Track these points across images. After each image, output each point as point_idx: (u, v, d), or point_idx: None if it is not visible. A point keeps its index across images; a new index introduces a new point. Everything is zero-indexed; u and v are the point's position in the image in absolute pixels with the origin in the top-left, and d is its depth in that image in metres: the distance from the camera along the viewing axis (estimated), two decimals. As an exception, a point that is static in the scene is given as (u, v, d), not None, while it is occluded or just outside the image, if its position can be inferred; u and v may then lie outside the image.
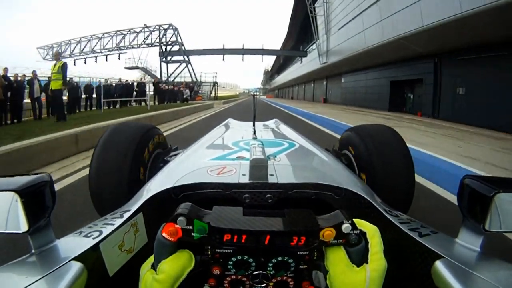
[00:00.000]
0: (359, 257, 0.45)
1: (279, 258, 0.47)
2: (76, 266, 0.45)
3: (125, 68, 23.99)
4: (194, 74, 24.27)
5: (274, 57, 41.23)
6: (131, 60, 23.75)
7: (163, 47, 23.31)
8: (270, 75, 63.89)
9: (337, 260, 0.46)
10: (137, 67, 23.78)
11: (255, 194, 0.62)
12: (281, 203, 0.61)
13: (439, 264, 0.49)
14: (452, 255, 0.50)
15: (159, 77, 22.82)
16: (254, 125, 1.42)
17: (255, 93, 2.00)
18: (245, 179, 0.65)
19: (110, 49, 24.12)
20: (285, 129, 1.63)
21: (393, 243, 0.49)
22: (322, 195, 0.65)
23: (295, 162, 0.89)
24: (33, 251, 0.48)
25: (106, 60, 24.39)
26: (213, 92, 25.53)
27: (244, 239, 0.44)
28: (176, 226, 0.44)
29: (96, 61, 24.55)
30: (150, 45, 23.46)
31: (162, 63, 23.66)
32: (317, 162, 0.93)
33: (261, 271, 0.47)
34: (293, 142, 1.12)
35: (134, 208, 0.60)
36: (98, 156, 1.11)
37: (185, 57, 23.61)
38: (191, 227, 0.44)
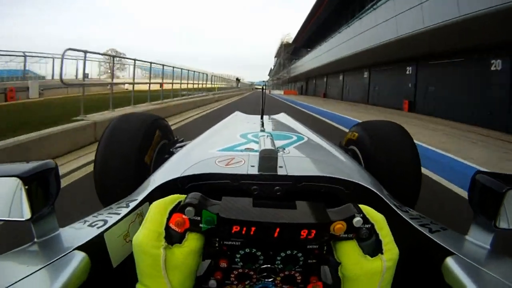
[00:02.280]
0: (371, 249, 0.45)
1: (288, 252, 0.46)
2: (80, 255, 0.44)
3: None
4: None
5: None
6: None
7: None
8: (293, 51, 38.68)
9: (350, 252, 0.45)
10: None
11: (263, 185, 0.61)
12: (290, 196, 0.61)
13: (449, 261, 0.49)
14: (463, 252, 0.50)
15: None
16: (262, 117, 1.42)
17: (264, 86, 1.96)
18: (254, 171, 0.64)
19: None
20: (293, 123, 1.62)
21: (403, 238, 0.49)
22: (331, 188, 0.64)
23: (305, 154, 0.88)
24: (35, 239, 0.48)
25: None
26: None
27: (253, 231, 0.43)
28: (184, 216, 0.42)
29: None
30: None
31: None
32: (326, 155, 0.92)
33: (268, 265, 0.47)
34: (301, 135, 1.11)
35: (140, 198, 0.59)
36: (103, 146, 1.12)
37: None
38: (199, 218, 0.42)
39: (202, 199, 0.44)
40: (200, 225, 0.43)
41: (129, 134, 1.14)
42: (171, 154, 1.29)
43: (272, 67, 68.22)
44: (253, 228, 0.43)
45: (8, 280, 0.37)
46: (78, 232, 0.50)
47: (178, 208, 0.43)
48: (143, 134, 1.16)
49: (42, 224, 0.48)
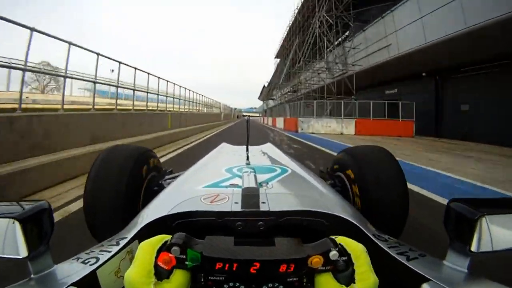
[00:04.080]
0: (347, 279, 0.49)
1: (270, 285, 0.49)
2: None
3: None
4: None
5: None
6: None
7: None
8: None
9: (326, 283, 0.49)
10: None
11: (247, 222, 0.64)
12: (273, 230, 0.64)
13: (425, 287, 0.51)
14: (440, 277, 0.52)
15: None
16: (247, 150, 1.46)
17: (247, 115, 2.05)
18: (238, 207, 0.67)
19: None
20: (277, 154, 1.67)
21: (381, 267, 0.52)
22: (313, 222, 0.67)
23: (287, 189, 0.92)
24: (32, 276, 0.50)
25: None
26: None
27: (235, 267, 0.47)
28: (170, 255, 0.47)
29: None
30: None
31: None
32: (308, 188, 0.97)
33: None
34: (285, 167, 1.16)
35: (130, 235, 0.62)
36: (92, 179, 1.13)
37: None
38: (184, 256, 0.47)
39: (186, 238, 0.49)
40: (186, 262, 0.47)
41: (117, 168, 1.15)
42: (160, 186, 1.31)
43: (266, 84, 50.51)
44: (235, 265, 0.47)
45: None
46: (72, 269, 0.52)
47: (165, 247, 0.47)
48: (132, 168, 1.18)
49: (38, 261, 0.50)
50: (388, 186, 1.15)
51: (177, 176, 1.32)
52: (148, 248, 0.48)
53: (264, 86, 44.98)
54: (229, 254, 0.48)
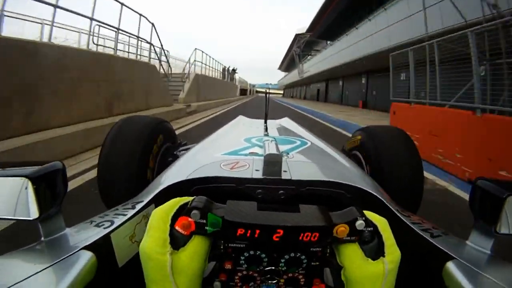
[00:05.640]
0: (373, 252, 0.46)
1: (292, 254, 0.48)
2: (86, 255, 0.46)
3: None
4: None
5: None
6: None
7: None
8: (305, 44, 28.65)
9: (352, 255, 0.47)
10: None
11: (268, 189, 0.62)
12: (293, 200, 0.62)
13: (450, 265, 0.50)
14: (463, 257, 0.51)
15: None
16: (266, 122, 1.45)
17: (267, 90, 2.04)
18: (259, 175, 0.66)
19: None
20: (296, 127, 1.64)
21: (404, 243, 0.50)
22: (334, 193, 0.65)
23: (308, 159, 0.89)
24: (42, 238, 0.49)
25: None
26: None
27: (258, 234, 0.44)
28: (190, 219, 0.44)
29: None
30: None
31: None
32: (329, 160, 0.93)
33: (272, 267, 0.48)
34: (305, 140, 1.14)
35: (146, 199, 0.61)
36: (107, 148, 1.15)
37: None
38: (204, 221, 0.45)
39: (207, 202, 0.46)
40: (206, 227, 0.45)
41: (132, 137, 1.17)
42: (175, 157, 1.32)
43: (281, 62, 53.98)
44: (257, 231, 0.44)
45: (15, 278, 0.38)
46: (85, 232, 0.52)
47: (185, 211, 0.45)
48: (147, 137, 1.20)
49: (49, 224, 0.50)
50: (403, 165, 1.16)
51: (193, 147, 1.32)
52: (161, 215, 0.46)
53: (297, 39, 30.08)
54: (252, 219, 0.45)
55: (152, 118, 1.36)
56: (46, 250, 0.47)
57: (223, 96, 16.63)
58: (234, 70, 22.99)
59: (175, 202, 0.48)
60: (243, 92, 34.59)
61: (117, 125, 1.23)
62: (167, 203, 0.48)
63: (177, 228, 0.44)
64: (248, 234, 0.44)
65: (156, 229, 0.44)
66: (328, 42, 22.91)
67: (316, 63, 23.93)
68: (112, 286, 0.53)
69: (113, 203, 0.68)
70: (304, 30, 28.58)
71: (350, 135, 1.64)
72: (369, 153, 1.25)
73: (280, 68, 62.63)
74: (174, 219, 0.45)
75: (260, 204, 0.49)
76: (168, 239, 0.44)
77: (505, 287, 0.43)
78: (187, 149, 1.41)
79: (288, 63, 50.21)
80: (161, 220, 0.45)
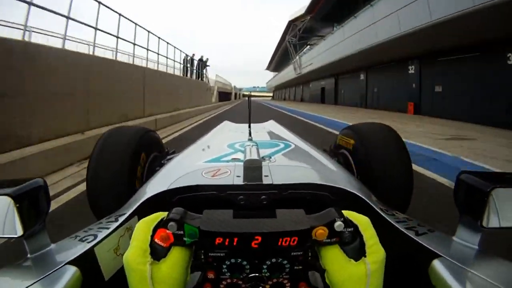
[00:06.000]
0: (355, 253, 0.56)
1: (273, 260, 0.58)
2: (71, 270, 0.57)
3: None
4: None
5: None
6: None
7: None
8: (304, 30, 28.43)
9: (333, 257, 0.56)
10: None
11: (249, 195, 0.75)
12: (276, 204, 0.73)
13: (436, 263, 0.60)
14: (450, 254, 0.61)
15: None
16: (250, 126, 1.66)
17: (250, 94, 2.29)
18: (240, 181, 0.78)
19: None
20: (281, 130, 1.92)
21: (389, 242, 0.60)
22: (317, 195, 0.78)
23: (290, 162, 1.06)
24: (28, 255, 0.60)
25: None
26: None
27: (236, 242, 0.54)
28: (168, 231, 0.55)
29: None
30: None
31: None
32: (312, 162, 1.10)
33: (256, 274, 0.59)
34: (288, 142, 1.33)
35: (129, 212, 0.74)
36: (95, 160, 1.36)
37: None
38: (182, 232, 0.55)
39: (183, 213, 0.58)
40: (184, 238, 0.56)
41: (119, 148, 1.40)
42: (162, 166, 1.53)
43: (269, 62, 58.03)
44: (235, 239, 0.54)
45: None
46: (69, 247, 0.63)
47: (162, 223, 0.56)
48: (134, 148, 1.43)
49: (34, 240, 0.61)
50: (392, 162, 1.38)
51: (176, 156, 1.55)
52: (144, 226, 0.57)
53: (291, 27, 30.22)
54: (228, 227, 0.55)
55: (138, 128, 1.59)
56: (32, 267, 0.58)
57: (185, 104, 13.17)
58: (203, 62, 19.22)
59: (158, 215, 0.60)
60: (225, 96, 33.26)
61: (104, 137, 1.44)
62: (151, 215, 0.59)
63: (156, 240, 0.54)
64: (226, 243, 0.54)
65: (138, 240, 0.55)
66: (335, 25, 21.47)
67: (320, 54, 22.02)
68: None
69: (104, 215, 0.82)
70: (298, 15, 27.17)
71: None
72: (356, 151, 1.49)
73: (268, 68, 65.30)
74: (155, 231, 0.56)
75: (236, 212, 0.60)
76: (149, 250, 0.54)
77: (494, 283, 0.51)
78: (175, 157, 1.63)
79: (278, 61, 51.81)
80: (142, 231, 0.56)
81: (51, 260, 0.59)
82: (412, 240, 0.67)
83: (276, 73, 59.01)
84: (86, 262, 0.61)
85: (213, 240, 0.55)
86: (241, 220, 0.57)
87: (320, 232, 0.55)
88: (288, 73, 38.16)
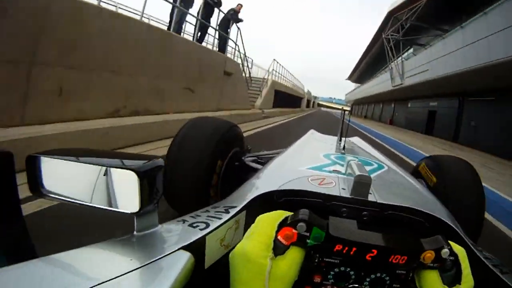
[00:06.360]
0: (450, 280, 0.70)
1: (378, 274, 0.71)
2: (185, 255, 0.66)
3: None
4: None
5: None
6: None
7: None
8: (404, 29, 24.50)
9: (431, 281, 0.70)
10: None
11: (353, 209, 0.92)
12: (374, 222, 0.90)
13: None
14: None
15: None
16: (340, 139, 1.95)
17: (342, 108, 2.66)
18: (346, 193, 0.95)
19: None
20: (368, 148, 2.24)
21: (476, 276, 0.73)
22: (414, 220, 0.92)
23: (388, 183, 1.24)
24: (135, 232, 0.72)
25: None
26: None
27: (353, 252, 0.68)
28: (294, 230, 0.67)
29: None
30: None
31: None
32: (409, 186, 1.28)
33: (356, 285, 0.72)
34: (381, 163, 1.54)
35: (240, 205, 0.91)
36: (177, 145, 1.69)
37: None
38: (308, 234, 0.67)
39: (311, 216, 0.70)
40: (307, 240, 0.68)
41: (204, 137, 1.77)
42: (242, 162, 1.91)
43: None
44: (354, 248, 0.67)
45: (111, 272, 0.54)
46: (180, 231, 0.77)
47: (290, 222, 0.69)
48: (218, 140, 1.80)
49: (144, 219, 0.74)
50: (467, 195, 1.75)
51: (260, 155, 2.07)
52: (269, 221, 0.70)
53: (392, 20, 26.34)
54: (353, 236, 0.69)
55: (225, 121, 2.02)
56: (141, 246, 0.68)
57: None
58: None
59: (280, 213, 0.73)
60: (290, 101, 33.94)
61: (190, 124, 1.79)
62: (273, 212, 0.73)
63: (279, 237, 0.66)
64: (344, 251, 0.68)
65: (261, 234, 0.67)
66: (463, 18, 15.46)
67: (442, 56, 17.00)
68: (199, 287, 0.75)
69: (179, 203, 1.07)
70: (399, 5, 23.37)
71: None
72: (433, 183, 1.89)
73: (350, 77, 65.41)
74: (280, 228, 0.68)
75: (359, 224, 0.75)
76: (272, 245, 0.66)
77: None
78: (254, 156, 2.06)
79: (364, 69, 51.20)
80: (268, 226, 0.68)
81: (161, 242, 0.71)
82: (497, 277, 0.81)
83: (359, 85, 59.34)
84: (198, 249, 0.74)
85: (334, 246, 0.68)
86: (365, 232, 0.72)
87: (428, 256, 0.69)
88: (378, 84, 34.98)
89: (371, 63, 42.66)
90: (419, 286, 0.72)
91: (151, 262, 0.61)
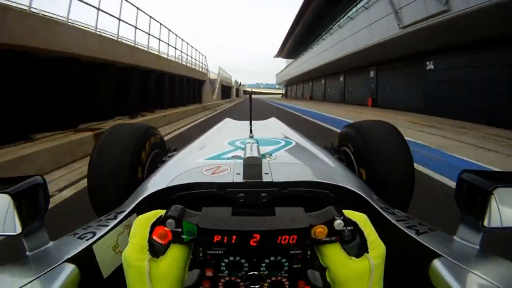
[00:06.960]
0: (356, 250, 0.67)
1: (272, 258, 0.70)
2: (69, 267, 0.69)
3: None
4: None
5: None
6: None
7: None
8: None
9: (334, 255, 0.68)
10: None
11: (249, 193, 0.90)
12: (276, 202, 0.86)
13: (436, 263, 0.71)
14: (450, 253, 0.73)
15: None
16: (251, 123, 1.91)
17: (251, 90, 2.68)
18: (239, 178, 0.94)
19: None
20: (282, 127, 2.23)
21: (390, 241, 0.71)
22: (318, 193, 0.92)
23: (291, 160, 1.24)
24: (27, 253, 0.72)
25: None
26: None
27: (234, 240, 0.65)
28: (166, 228, 0.66)
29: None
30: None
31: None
32: (313, 160, 1.29)
33: (254, 272, 0.71)
34: (289, 140, 1.55)
35: (128, 209, 0.89)
36: (96, 158, 1.62)
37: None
38: (180, 229, 0.66)
39: (182, 211, 0.70)
40: (182, 236, 0.68)
41: (120, 146, 1.69)
42: (163, 163, 1.81)
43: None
44: (234, 237, 0.65)
45: None
46: (68, 245, 0.76)
47: (160, 220, 0.69)
48: (134, 145, 1.73)
49: (33, 238, 0.73)
50: (393, 160, 1.67)
51: (178, 153, 1.89)
52: (142, 223, 0.69)
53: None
54: (226, 225, 0.67)
55: (139, 125, 1.92)
56: (31, 264, 0.70)
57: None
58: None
59: (156, 212, 0.72)
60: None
61: (105, 134, 1.71)
62: (149, 212, 0.72)
63: (154, 237, 0.65)
64: (225, 240, 0.65)
65: (135, 236, 0.67)
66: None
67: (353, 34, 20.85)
68: None
69: (105, 212, 1.00)
70: None
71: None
72: (358, 149, 1.81)
73: (279, 54, 60.83)
74: (153, 228, 0.67)
75: (235, 210, 0.72)
76: (147, 246, 0.65)
77: (494, 283, 0.61)
78: (174, 155, 1.91)
79: (297, 42, 45.30)
80: (141, 228, 0.69)
81: (50, 258, 0.72)
82: (412, 239, 0.80)
83: (292, 60, 55.35)
84: (85, 259, 0.74)
85: (212, 237, 0.66)
86: (240, 218, 0.69)
87: (320, 231, 0.67)
88: (314, 57, 33.65)
89: (303, 33, 40.15)
90: (323, 263, 0.71)
91: (35, 279, 0.62)
